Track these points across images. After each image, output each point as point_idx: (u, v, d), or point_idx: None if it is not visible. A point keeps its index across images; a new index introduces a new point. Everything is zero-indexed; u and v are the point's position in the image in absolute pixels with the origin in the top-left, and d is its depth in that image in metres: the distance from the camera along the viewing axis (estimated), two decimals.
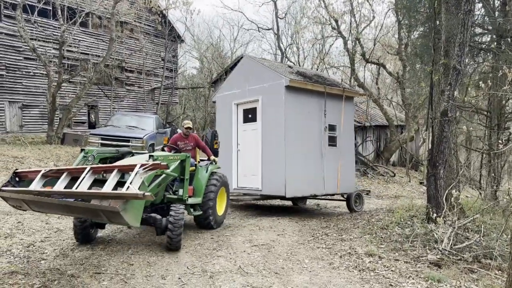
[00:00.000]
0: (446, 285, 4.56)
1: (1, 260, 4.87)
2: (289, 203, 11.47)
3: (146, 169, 4.40)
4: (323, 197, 10.11)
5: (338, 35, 20.47)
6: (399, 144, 19.82)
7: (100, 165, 4.55)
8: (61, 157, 13.61)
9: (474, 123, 11.26)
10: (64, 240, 5.96)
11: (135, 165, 4.41)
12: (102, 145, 12.98)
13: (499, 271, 5.03)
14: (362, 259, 5.52)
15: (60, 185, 4.31)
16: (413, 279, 4.77)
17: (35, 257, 5.08)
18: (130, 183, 4.10)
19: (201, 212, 6.88)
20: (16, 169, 4.68)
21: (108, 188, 4.12)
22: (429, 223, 6.59)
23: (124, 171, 4.53)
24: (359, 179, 16.40)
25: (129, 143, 13.15)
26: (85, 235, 5.52)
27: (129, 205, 4.00)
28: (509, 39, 9.04)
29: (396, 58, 21.91)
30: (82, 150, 5.35)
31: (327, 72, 25.89)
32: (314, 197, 9.83)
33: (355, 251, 5.85)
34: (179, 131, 7.89)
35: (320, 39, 26.62)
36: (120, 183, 4.35)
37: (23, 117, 19.01)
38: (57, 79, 16.83)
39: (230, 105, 10.08)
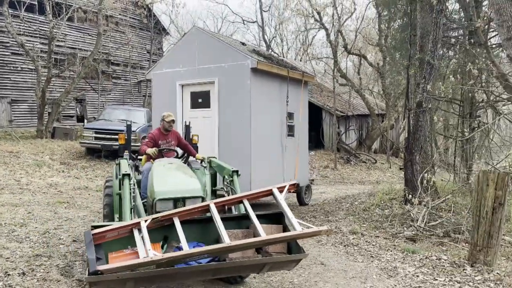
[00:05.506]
0: (419, 256, 5.27)
1: (23, 246, 5.38)
2: None
3: (285, 193, 3.55)
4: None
5: (321, 26, 21.06)
6: (380, 132, 20.72)
7: (222, 199, 3.53)
8: (54, 151, 13.97)
9: (450, 112, 12.05)
10: (75, 227, 6.48)
11: (269, 191, 3.57)
12: (96, 138, 13.37)
13: (466, 244, 5.75)
14: (346, 236, 6.21)
15: (182, 239, 3.14)
16: (391, 251, 5.48)
17: (53, 242, 5.60)
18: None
19: None
20: (93, 227, 3.16)
21: (260, 227, 3.21)
22: (406, 205, 7.31)
23: (254, 199, 3.71)
24: (343, 166, 17.18)
25: None
26: None
27: None
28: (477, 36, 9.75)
29: (376, 49, 22.67)
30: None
31: (311, 63, 26.55)
32: None
33: (340, 230, 6.54)
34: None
35: (304, 31, 27.22)
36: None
37: (12, 112, 19.16)
38: (46, 74, 17.04)
39: (173, 85, 8.51)
